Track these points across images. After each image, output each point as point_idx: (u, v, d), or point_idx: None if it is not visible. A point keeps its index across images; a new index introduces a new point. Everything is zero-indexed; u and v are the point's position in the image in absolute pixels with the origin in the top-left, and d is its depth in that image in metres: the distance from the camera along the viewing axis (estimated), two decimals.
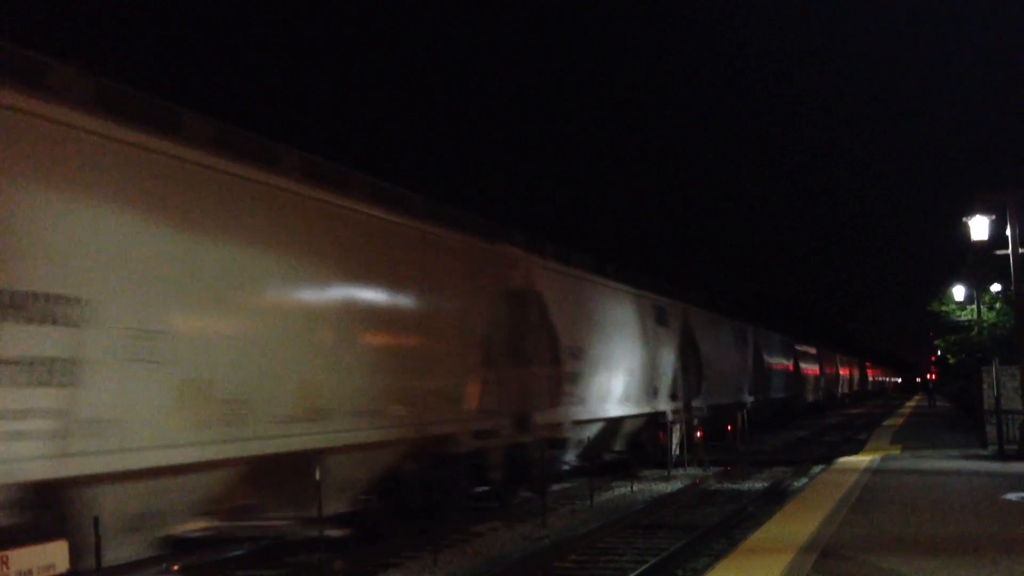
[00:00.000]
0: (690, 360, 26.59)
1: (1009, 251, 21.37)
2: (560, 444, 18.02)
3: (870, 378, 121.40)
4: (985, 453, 21.69)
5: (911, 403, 71.55)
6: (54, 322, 7.39)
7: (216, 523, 9.45)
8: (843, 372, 78.81)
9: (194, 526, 9.30)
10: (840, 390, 76.14)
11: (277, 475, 10.12)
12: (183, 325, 8.81)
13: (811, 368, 56.60)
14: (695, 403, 26.50)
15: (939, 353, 57.96)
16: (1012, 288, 22.88)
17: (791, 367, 47.58)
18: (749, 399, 34.75)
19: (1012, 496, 13.84)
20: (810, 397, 55.53)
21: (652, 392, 23.23)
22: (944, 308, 36.93)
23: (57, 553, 7.30)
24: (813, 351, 58.66)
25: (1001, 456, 20.37)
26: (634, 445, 23.30)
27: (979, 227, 21.54)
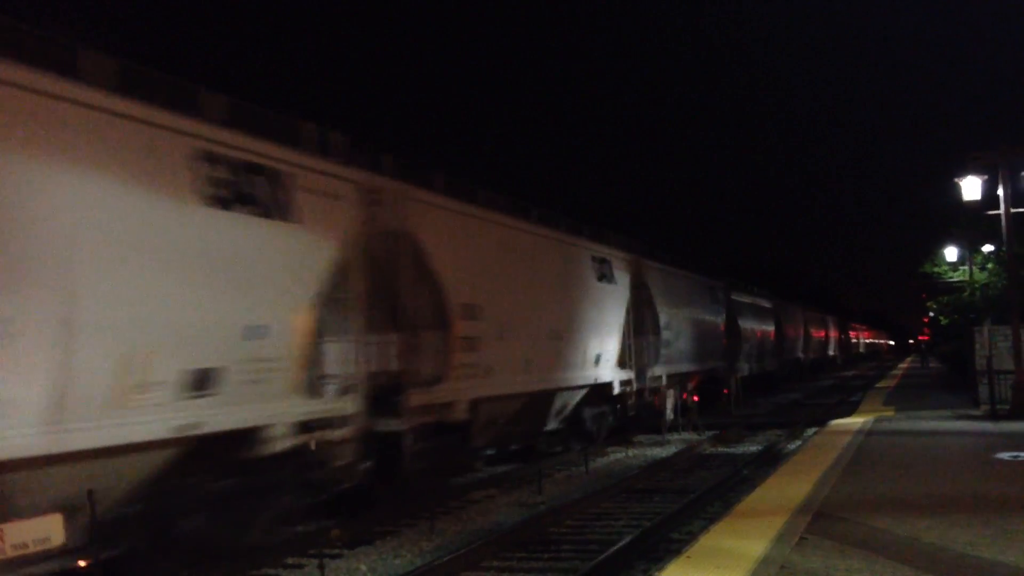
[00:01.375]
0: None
1: (1001, 211, 21.40)
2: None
3: (862, 340, 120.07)
4: (977, 413, 21.80)
5: (904, 365, 71.99)
6: None
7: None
8: (818, 334, 65.52)
9: None
10: (813, 355, 62.35)
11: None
12: None
13: (761, 327, 41.11)
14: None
15: (931, 315, 58.07)
16: (1004, 248, 22.93)
17: (722, 325, 32.71)
18: (623, 377, 21.40)
19: (1004, 455, 13.94)
20: (756, 366, 39.01)
21: None
22: (936, 269, 36.95)
23: (53, 526, 7.31)
24: (767, 304, 43.89)
25: (993, 416, 20.48)
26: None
27: (971, 187, 21.53)
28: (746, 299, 38.71)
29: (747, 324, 37.49)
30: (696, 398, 26.19)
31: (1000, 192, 21.22)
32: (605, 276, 20.78)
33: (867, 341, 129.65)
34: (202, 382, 9.25)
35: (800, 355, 54.76)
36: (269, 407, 10.17)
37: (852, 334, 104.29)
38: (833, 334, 76.61)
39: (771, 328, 43.68)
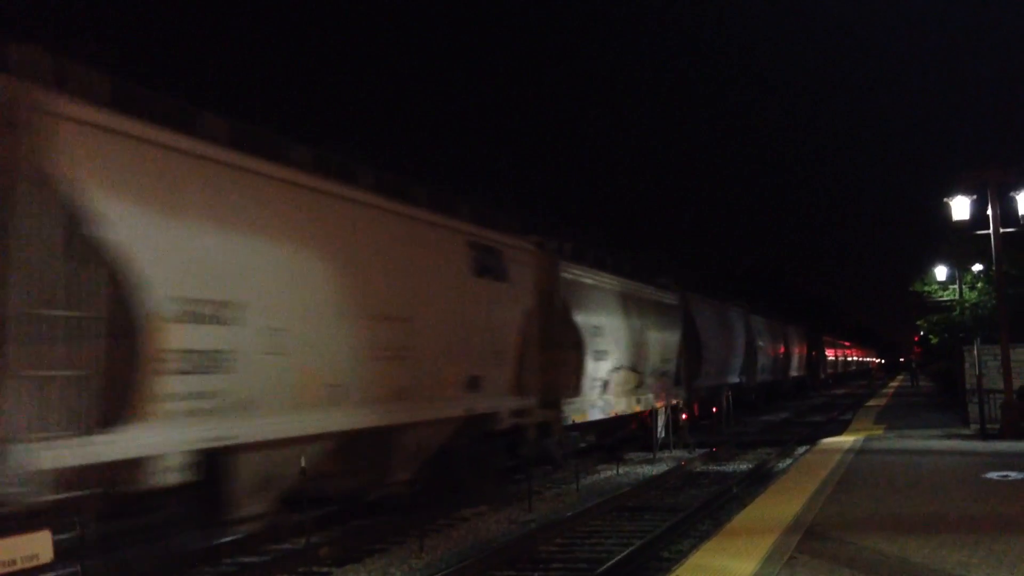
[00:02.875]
0: None
1: (990, 231, 21.51)
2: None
3: (843, 358, 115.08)
4: (967, 432, 21.86)
5: (894, 383, 72.10)
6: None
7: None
8: (774, 351, 47.49)
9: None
10: (781, 376, 48.43)
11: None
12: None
13: (652, 337, 23.92)
14: None
15: (922, 333, 58.16)
16: (993, 268, 23.04)
17: (516, 330, 16.18)
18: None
19: (993, 475, 13.97)
20: (625, 403, 21.73)
21: None
22: (926, 288, 37.11)
23: (40, 543, 7.27)
24: (669, 300, 26.74)
25: (983, 435, 20.53)
26: None
27: (960, 207, 21.65)
28: (610, 283, 21.63)
29: (610, 332, 20.78)
30: (686, 416, 26.19)
31: (989, 212, 21.35)
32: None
33: (852, 359, 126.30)
34: None
35: (739, 379, 36.75)
36: None
37: (830, 352, 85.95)
38: (798, 350, 58.34)
39: (675, 338, 26.71)
